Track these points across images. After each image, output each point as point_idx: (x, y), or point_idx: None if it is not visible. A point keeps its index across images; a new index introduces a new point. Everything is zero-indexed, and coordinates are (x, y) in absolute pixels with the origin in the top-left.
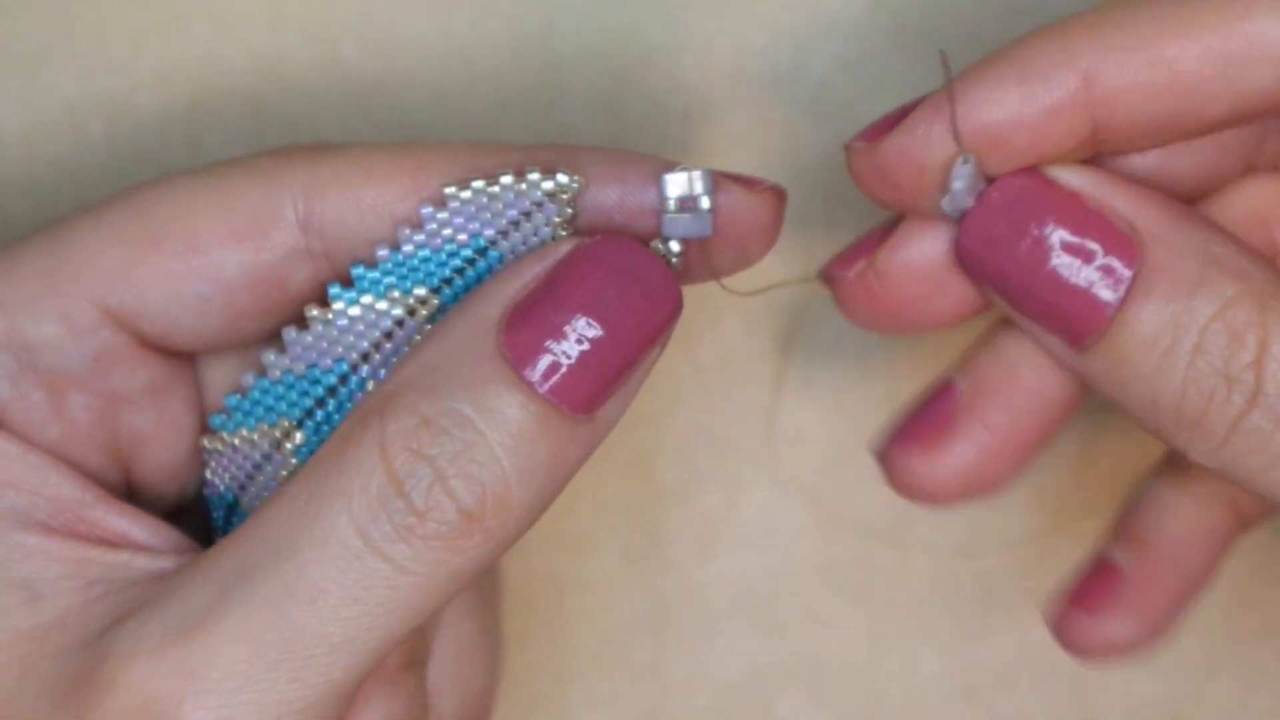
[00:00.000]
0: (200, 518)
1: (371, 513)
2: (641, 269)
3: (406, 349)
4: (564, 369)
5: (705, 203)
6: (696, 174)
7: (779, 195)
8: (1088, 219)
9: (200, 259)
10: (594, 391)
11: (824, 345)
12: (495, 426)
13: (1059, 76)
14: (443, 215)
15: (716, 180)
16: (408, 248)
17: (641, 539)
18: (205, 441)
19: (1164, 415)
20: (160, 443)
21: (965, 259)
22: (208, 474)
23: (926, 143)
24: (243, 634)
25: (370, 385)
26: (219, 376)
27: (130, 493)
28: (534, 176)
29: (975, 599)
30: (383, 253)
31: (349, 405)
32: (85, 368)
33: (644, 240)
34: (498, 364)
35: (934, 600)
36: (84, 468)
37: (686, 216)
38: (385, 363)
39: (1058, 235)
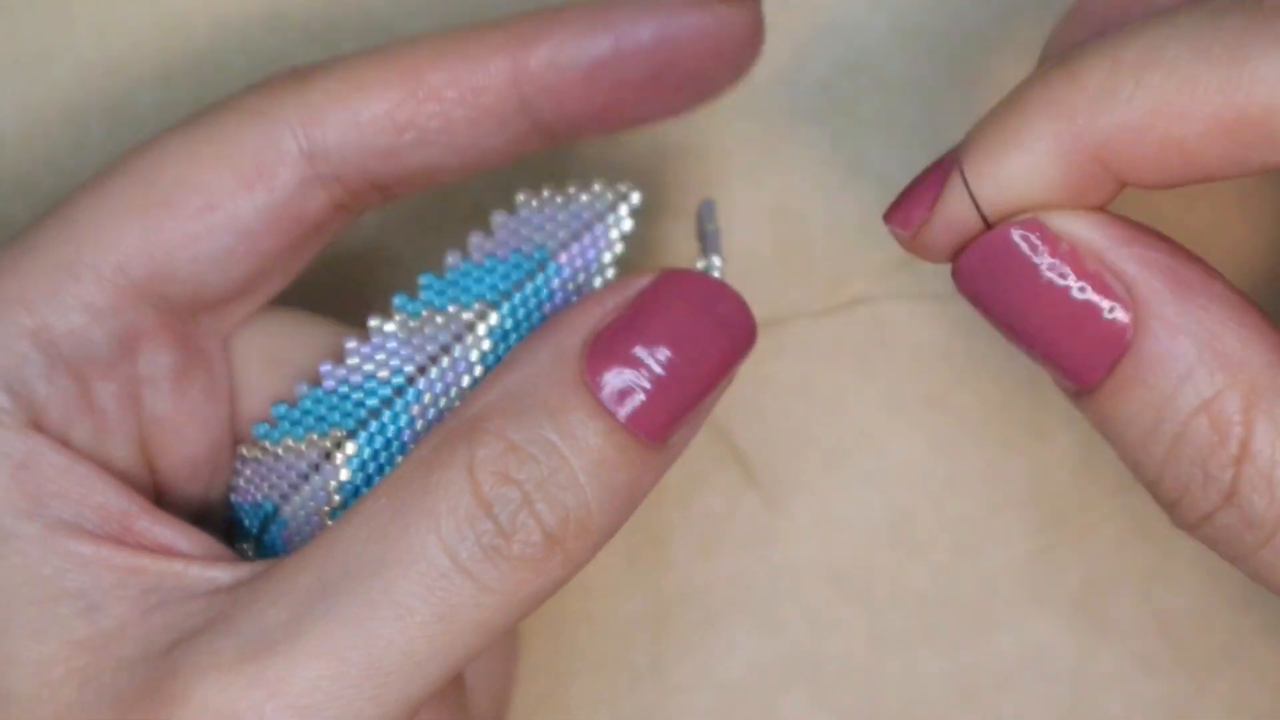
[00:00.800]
0: (219, 523)
1: (460, 534)
2: (720, 301)
3: (465, 363)
4: (643, 398)
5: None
6: (708, 207)
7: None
8: (1084, 277)
9: (215, 214)
10: (669, 421)
11: (824, 346)
12: (579, 453)
13: (1070, 159)
14: (511, 224)
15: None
16: (475, 255)
17: (642, 539)
18: (244, 450)
19: (1143, 483)
20: (184, 434)
21: (962, 290)
22: (240, 481)
23: (959, 228)
24: (325, 650)
25: (428, 398)
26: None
27: (157, 496)
28: (597, 188)
29: (975, 599)
30: (452, 259)
31: (405, 416)
32: (111, 352)
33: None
34: (581, 392)
35: (934, 600)
36: (116, 466)
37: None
38: (444, 375)
39: (1052, 285)
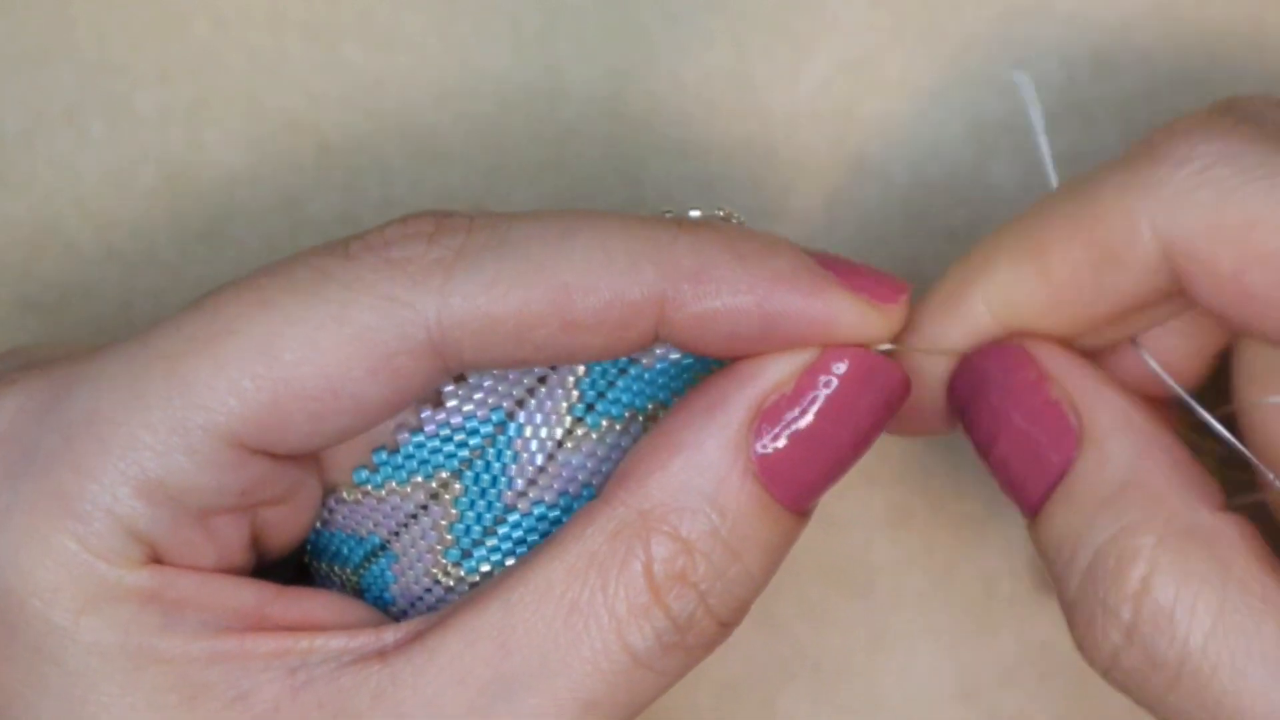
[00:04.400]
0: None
1: (641, 635)
2: (882, 376)
3: (560, 391)
4: (807, 477)
5: None
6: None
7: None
8: (1043, 408)
9: (339, 400)
10: (824, 489)
11: None
12: (750, 549)
13: (969, 310)
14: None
15: None
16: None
17: None
18: (345, 493)
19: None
20: (293, 521)
21: (952, 405)
22: (338, 518)
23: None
24: None
25: (529, 430)
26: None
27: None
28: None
29: (975, 598)
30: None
31: (508, 452)
32: (223, 498)
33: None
34: (751, 487)
35: (934, 599)
36: (236, 568)
37: None
38: (542, 405)
39: (1023, 406)
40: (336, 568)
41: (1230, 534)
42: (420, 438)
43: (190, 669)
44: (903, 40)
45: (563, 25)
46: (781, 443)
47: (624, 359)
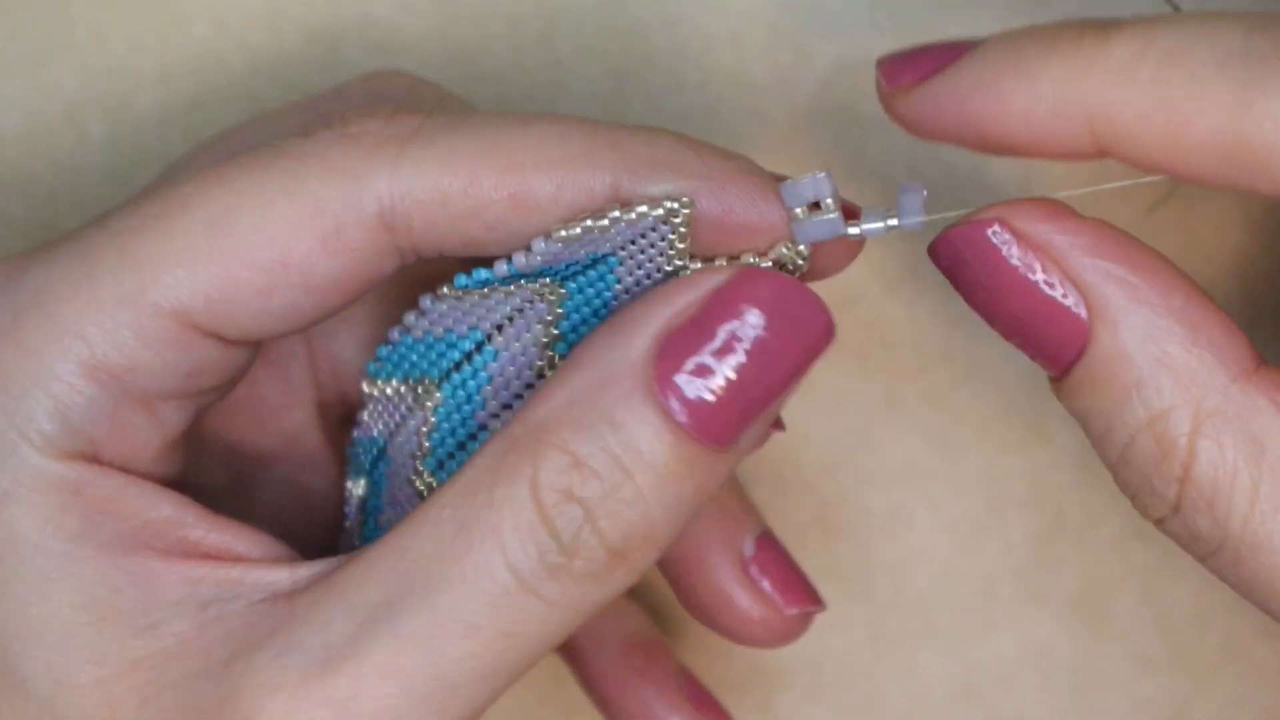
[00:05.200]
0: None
1: (524, 551)
2: (794, 301)
3: (538, 326)
4: (714, 405)
5: (832, 204)
6: (821, 178)
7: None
8: (1038, 300)
9: (288, 272)
10: (739, 426)
11: None
12: (643, 469)
13: (1066, 110)
14: (555, 247)
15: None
16: (520, 261)
17: None
18: (365, 386)
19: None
20: (255, 425)
21: (939, 267)
22: (365, 416)
23: (935, 111)
24: (393, 668)
25: (504, 356)
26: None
27: (229, 489)
28: (642, 209)
29: (975, 599)
30: (501, 269)
31: (484, 373)
32: (170, 382)
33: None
34: (649, 404)
35: (934, 600)
36: (173, 476)
37: (816, 220)
38: (519, 335)
39: (1022, 277)
40: (360, 482)
41: (1262, 405)
42: (409, 339)
43: (102, 589)
44: (903, 40)
45: (563, 25)
46: (686, 367)
47: (604, 298)
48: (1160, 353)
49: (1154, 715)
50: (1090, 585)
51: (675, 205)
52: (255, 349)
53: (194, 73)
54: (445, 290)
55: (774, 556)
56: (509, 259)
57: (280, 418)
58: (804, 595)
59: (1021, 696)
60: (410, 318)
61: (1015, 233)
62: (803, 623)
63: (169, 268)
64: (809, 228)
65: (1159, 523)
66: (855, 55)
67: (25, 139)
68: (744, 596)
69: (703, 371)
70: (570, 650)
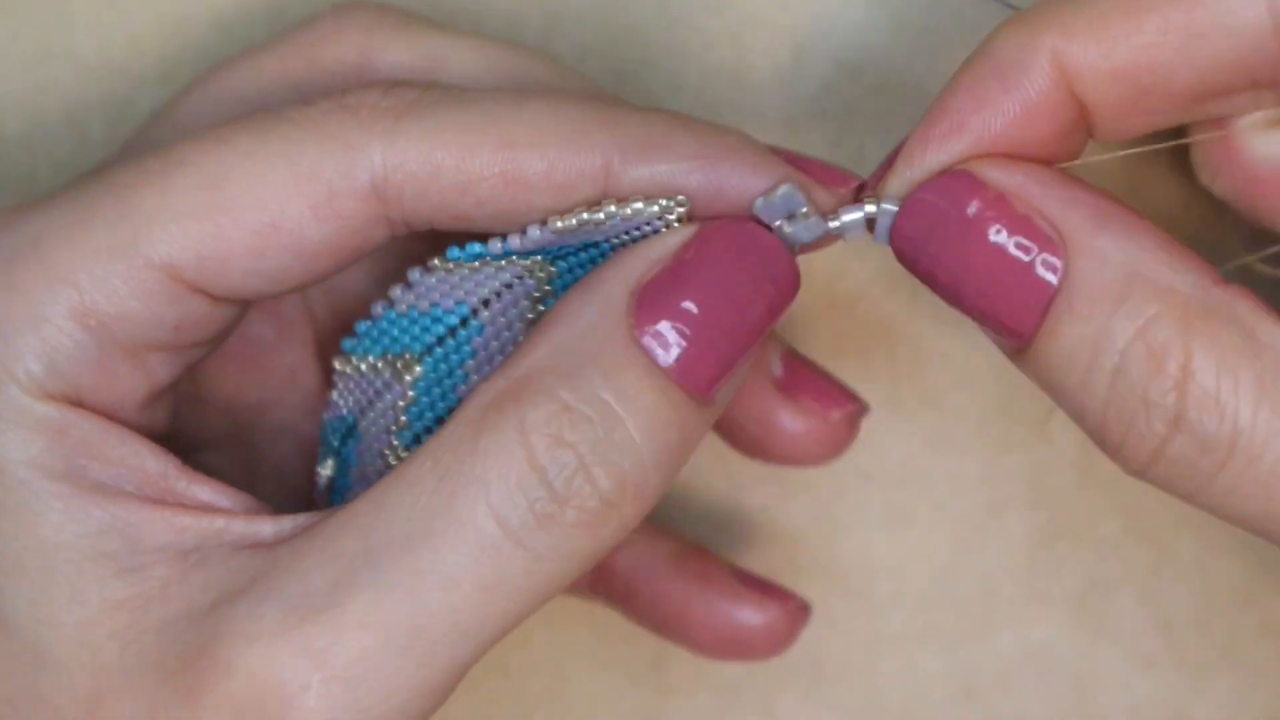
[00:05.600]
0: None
1: (512, 501)
2: (765, 251)
3: (525, 302)
4: (693, 352)
5: (806, 212)
6: (786, 191)
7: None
8: (1014, 222)
9: (279, 235)
10: (719, 374)
11: (824, 346)
12: (634, 414)
13: (1033, 65)
14: (549, 236)
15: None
16: (515, 243)
17: None
18: (336, 363)
19: (1090, 432)
20: (238, 384)
21: (901, 252)
22: (334, 395)
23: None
24: (371, 620)
25: (489, 330)
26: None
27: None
28: (638, 205)
29: (974, 599)
30: (496, 245)
31: (468, 347)
32: (158, 334)
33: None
34: (633, 350)
35: (934, 600)
36: (158, 429)
37: (798, 226)
38: (505, 310)
39: (987, 231)
40: (328, 463)
41: (1243, 303)
42: (392, 314)
43: (85, 529)
44: (903, 40)
45: (563, 25)
46: (664, 313)
47: (574, 287)
48: (1138, 266)
49: (1153, 715)
50: (1090, 585)
51: (670, 203)
52: (243, 308)
53: (194, 73)
54: (436, 262)
55: (804, 369)
56: (504, 238)
57: (276, 358)
58: (843, 397)
59: (1021, 696)
60: (396, 291)
61: (975, 185)
62: (850, 427)
63: (163, 223)
64: (795, 233)
65: (1156, 456)
66: (855, 55)
67: (25, 139)
68: (785, 414)
69: (680, 320)
70: (619, 588)
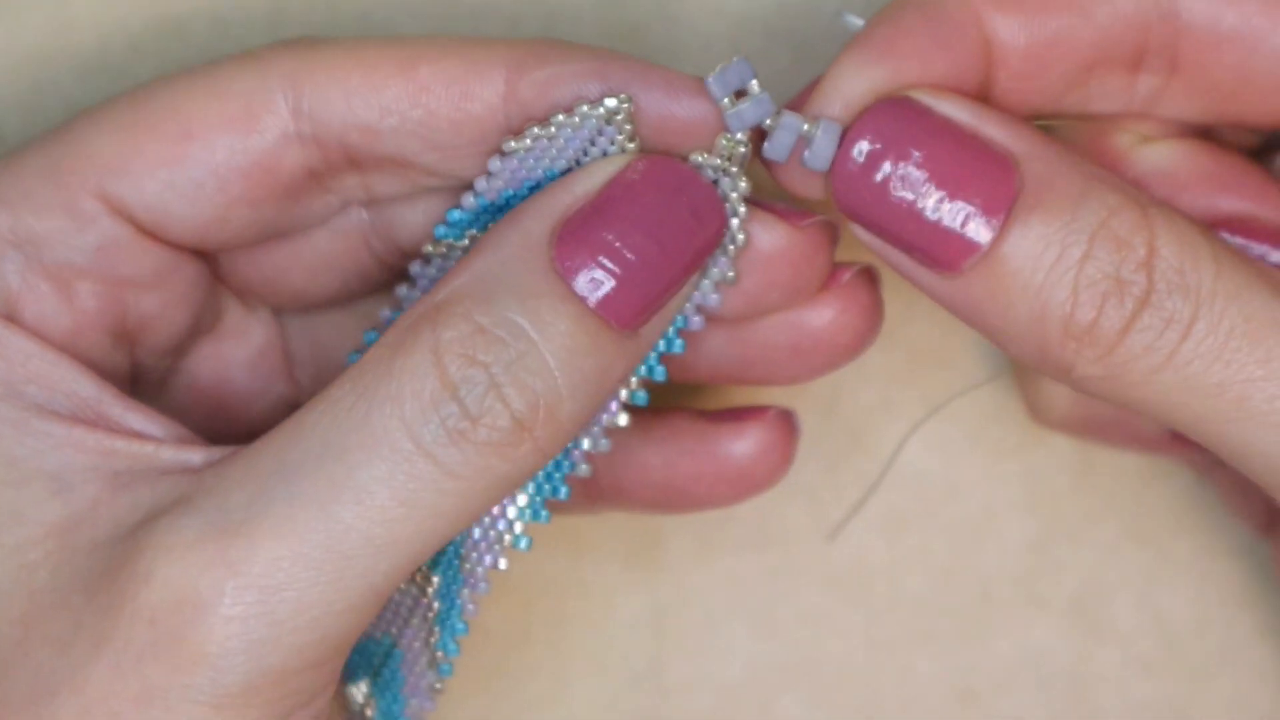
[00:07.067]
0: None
1: (424, 416)
2: (690, 188)
3: None
4: (613, 284)
5: (756, 87)
6: (738, 61)
7: (826, 231)
8: (962, 142)
9: (193, 144)
10: (640, 307)
11: None
12: (549, 338)
13: (960, 16)
14: (510, 163)
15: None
16: (481, 185)
17: (640, 540)
18: (429, 248)
19: (1051, 328)
20: (166, 320)
21: (839, 197)
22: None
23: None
24: (285, 531)
25: None
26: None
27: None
28: (584, 109)
29: (973, 601)
30: (469, 200)
31: None
32: (90, 258)
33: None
34: (551, 278)
35: (932, 602)
36: (94, 353)
37: (745, 104)
38: None
39: (930, 161)
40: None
41: (1182, 214)
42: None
43: (22, 449)
44: None
45: (563, 25)
46: (586, 245)
47: (499, 221)
48: (1092, 171)
49: (1151, 717)
50: (1088, 588)
51: (615, 104)
52: (176, 255)
53: None
54: (429, 249)
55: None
56: (472, 189)
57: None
58: (800, 214)
59: (1019, 700)
60: (402, 290)
61: (918, 108)
62: (826, 238)
63: (87, 139)
64: (742, 114)
65: (1120, 338)
66: None
67: (25, 139)
68: (807, 315)
69: (602, 253)
70: (609, 491)
